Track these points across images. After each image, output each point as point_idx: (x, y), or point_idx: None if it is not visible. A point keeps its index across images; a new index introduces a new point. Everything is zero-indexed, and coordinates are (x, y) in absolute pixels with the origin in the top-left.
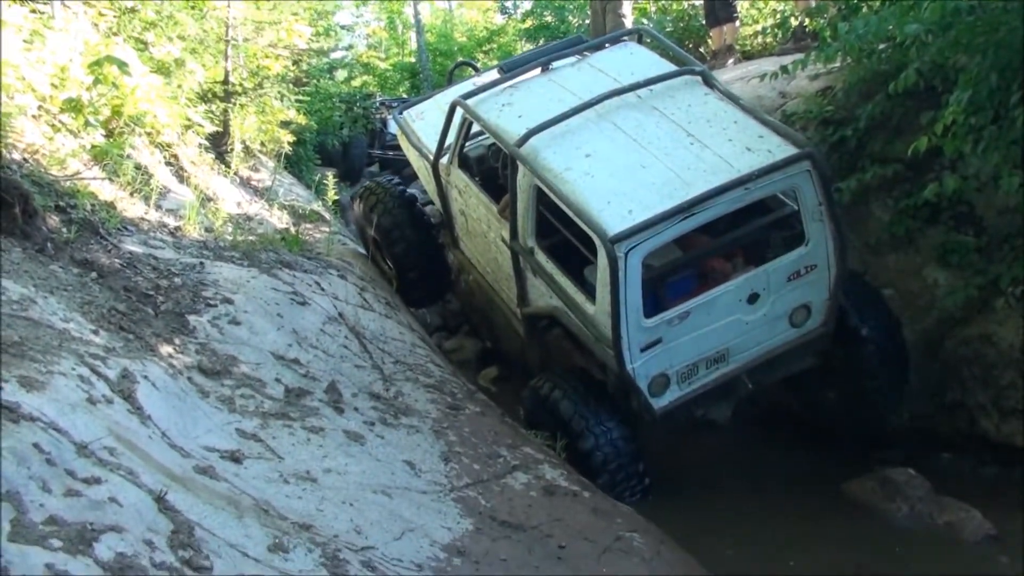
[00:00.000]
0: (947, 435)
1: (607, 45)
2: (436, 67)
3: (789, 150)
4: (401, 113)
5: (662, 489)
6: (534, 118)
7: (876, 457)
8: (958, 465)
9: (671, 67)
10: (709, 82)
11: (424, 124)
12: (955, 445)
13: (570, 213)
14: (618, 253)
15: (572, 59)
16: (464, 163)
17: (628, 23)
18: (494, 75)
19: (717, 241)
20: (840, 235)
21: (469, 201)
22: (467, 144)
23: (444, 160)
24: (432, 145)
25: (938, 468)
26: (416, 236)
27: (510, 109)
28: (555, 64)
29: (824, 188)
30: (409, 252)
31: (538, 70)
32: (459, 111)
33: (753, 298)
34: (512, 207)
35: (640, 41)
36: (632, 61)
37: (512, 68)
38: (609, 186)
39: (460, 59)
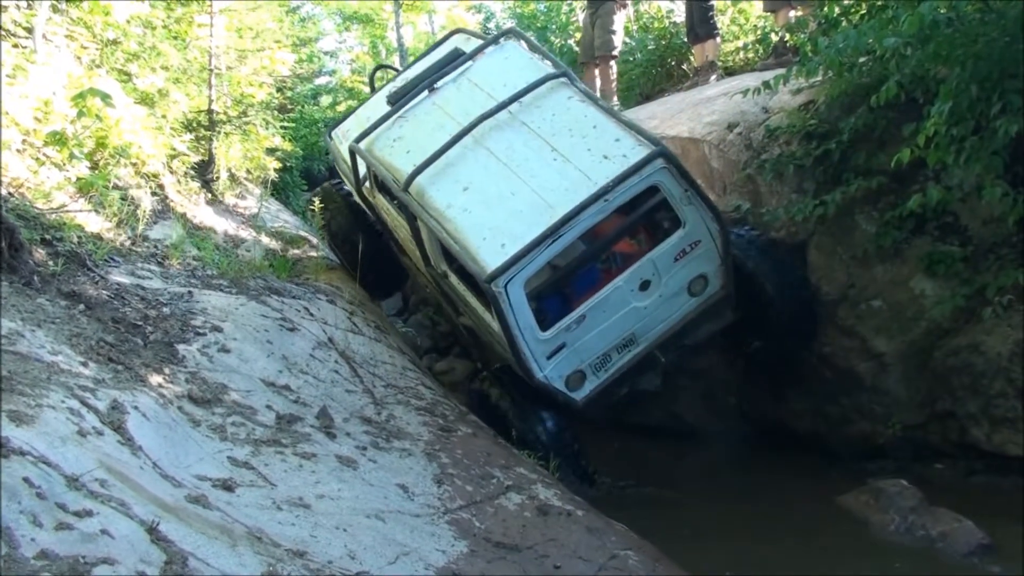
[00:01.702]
0: (938, 445)
1: (485, 51)
2: None
3: (642, 152)
4: (330, 135)
5: (656, 502)
6: (420, 152)
7: (868, 469)
8: (950, 475)
9: (541, 68)
10: (572, 83)
11: (395, 148)
12: (946, 455)
13: (455, 252)
14: (497, 289)
15: (454, 75)
16: (383, 187)
17: (618, 39)
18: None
19: (593, 248)
20: (712, 208)
21: (395, 222)
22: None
23: (366, 184)
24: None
25: (930, 478)
26: (366, 239)
27: (400, 144)
28: (439, 83)
29: (684, 176)
30: (361, 254)
31: (426, 92)
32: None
33: (645, 285)
34: (417, 239)
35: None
36: (506, 68)
37: (398, 99)
38: (484, 220)
39: (379, 63)
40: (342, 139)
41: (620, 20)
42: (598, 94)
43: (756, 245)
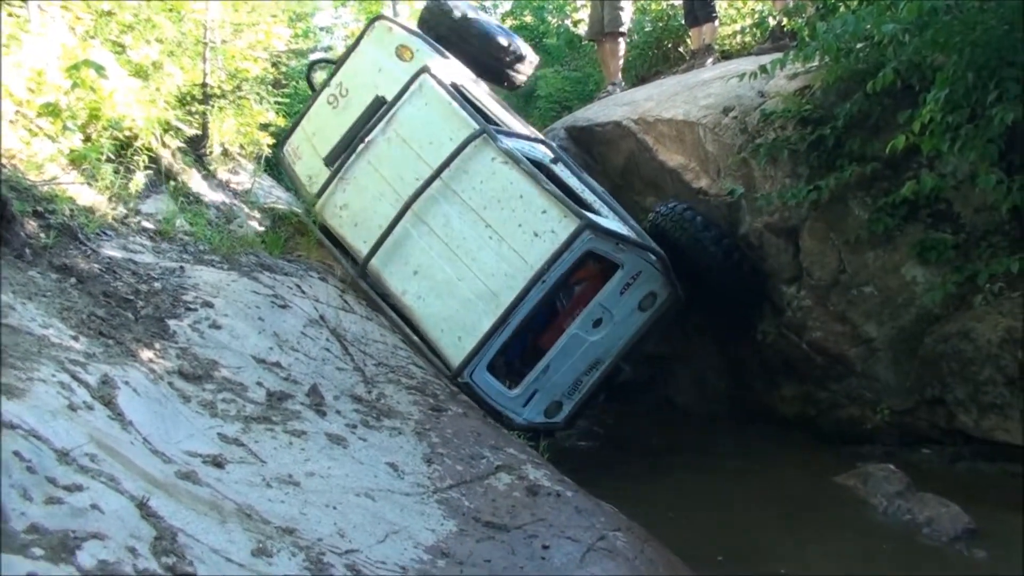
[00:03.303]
0: (926, 431)
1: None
2: None
3: (570, 226)
4: (282, 152)
5: (646, 481)
6: (365, 226)
7: (857, 453)
8: (937, 460)
9: (462, 120)
10: (492, 140)
11: (303, 166)
12: (934, 440)
13: (416, 340)
14: (463, 380)
15: (382, 125)
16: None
17: (626, 16)
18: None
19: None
20: (644, 246)
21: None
22: None
23: None
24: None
25: (918, 463)
26: None
27: (347, 214)
28: (369, 136)
29: (611, 236)
30: None
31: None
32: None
33: (597, 323)
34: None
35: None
36: (429, 119)
37: (334, 160)
38: (438, 311)
39: (314, 57)
40: (294, 157)
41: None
42: (611, 70)
43: (695, 216)
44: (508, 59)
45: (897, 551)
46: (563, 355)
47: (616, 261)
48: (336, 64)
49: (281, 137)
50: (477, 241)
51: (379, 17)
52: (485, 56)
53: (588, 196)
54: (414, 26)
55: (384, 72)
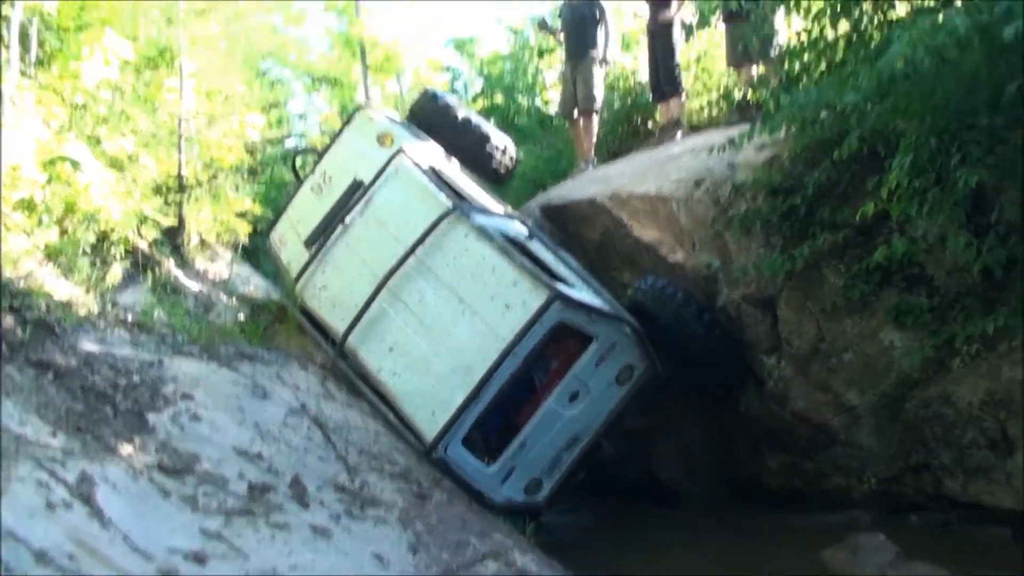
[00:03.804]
0: (913, 497)
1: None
2: None
3: (540, 298)
4: (269, 240)
5: (633, 560)
6: (343, 306)
7: (845, 523)
8: (926, 526)
9: (436, 199)
10: (465, 216)
11: (288, 253)
12: (922, 507)
13: (392, 417)
14: (437, 456)
15: (360, 208)
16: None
17: (599, 92)
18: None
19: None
20: (617, 316)
21: None
22: None
23: None
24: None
25: (907, 530)
26: None
27: (326, 295)
28: (348, 218)
29: (583, 307)
30: None
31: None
32: None
33: (574, 396)
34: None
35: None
36: (405, 200)
37: (314, 241)
38: (412, 387)
39: (298, 146)
40: (279, 245)
41: (600, 75)
42: (584, 148)
43: (675, 292)
44: (498, 155)
45: None
46: (540, 430)
47: (589, 333)
48: (320, 153)
49: (263, 225)
50: (451, 316)
51: (361, 107)
52: (478, 151)
53: (562, 271)
54: (396, 114)
55: (365, 158)
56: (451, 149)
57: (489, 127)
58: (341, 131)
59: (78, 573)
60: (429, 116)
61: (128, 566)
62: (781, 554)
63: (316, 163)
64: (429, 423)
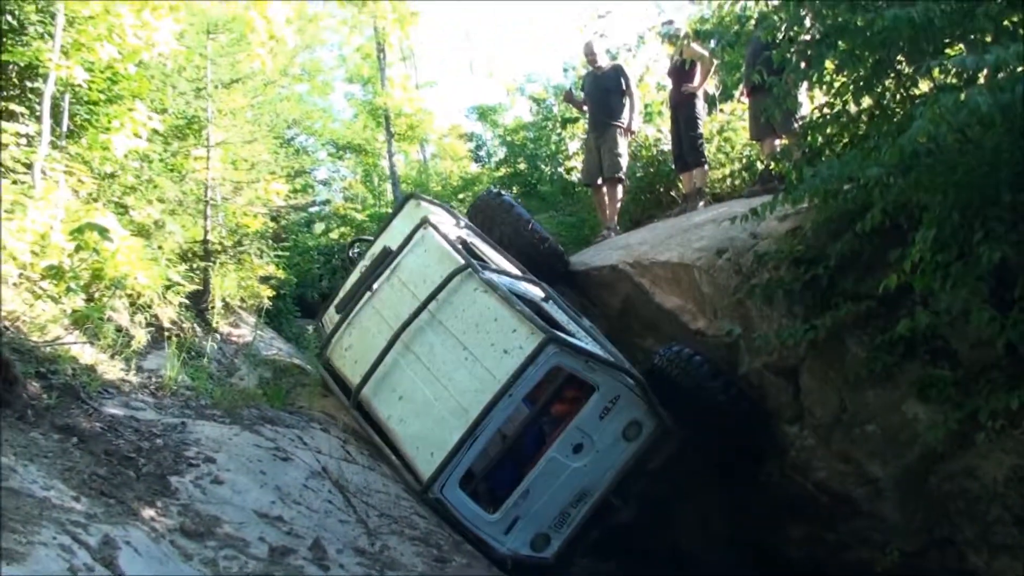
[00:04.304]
0: (937, 572)
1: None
2: None
3: (534, 341)
4: (320, 321)
5: None
6: (364, 360)
7: None
8: None
9: (452, 259)
10: (475, 273)
11: (347, 357)
12: None
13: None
14: (433, 495)
15: (387, 273)
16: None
17: (624, 161)
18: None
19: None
20: (618, 366)
21: None
22: None
23: None
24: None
25: None
26: None
27: (350, 354)
28: (376, 283)
29: (579, 352)
30: None
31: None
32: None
33: (578, 448)
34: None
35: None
36: (426, 263)
37: (344, 306)
38: (415, 430)
39: (355, 236)
40: (328, 323)
41: (624, 144)
42: (607, 214)
43: (702, 363)
44: (552, 259)
45: None
46: (544, 480)
47: (591, 382)
48: (372, 240)
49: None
50: (455, 363)
51: (411, 195)
52: (533, 250)
53: (573, 328)
54: (446, 204)
55: (402, 235)
56: (509, 246)
57: (545, 232)
58: (392, 218)
59: None
60: (492, 211)
61: None
62: None
63: (366, 249)
64: (427, 464)
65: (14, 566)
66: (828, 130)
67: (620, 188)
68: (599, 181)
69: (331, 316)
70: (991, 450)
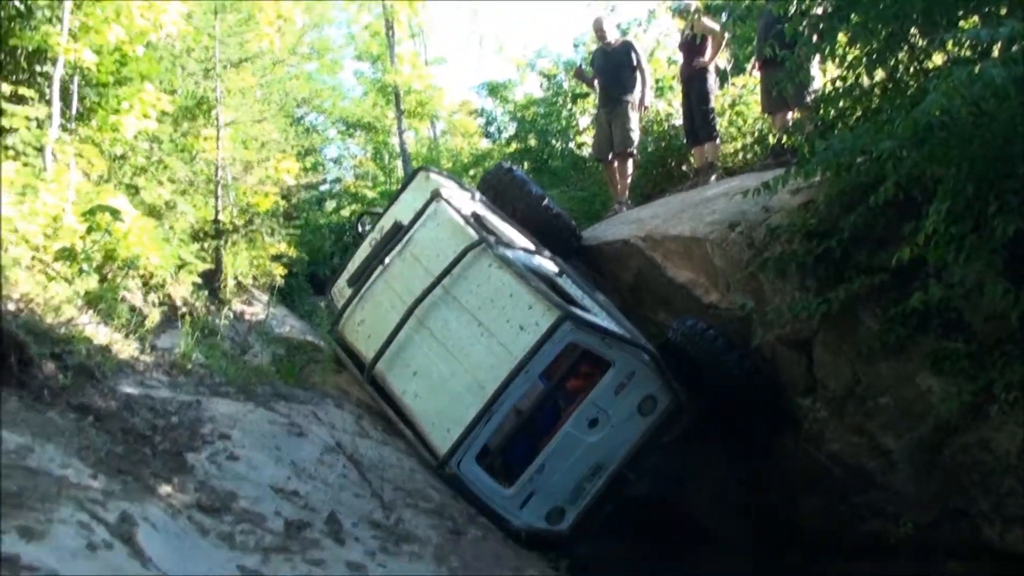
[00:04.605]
0: (951, 544)
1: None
2: None
3: (551, 317)
4: (330, 293)
5: None
6: (378, 337)
7: (881, 569)
8: (964, 574)
9: (465, 230)
10: (490, 248)
11: (360, 331)
12: (960, 554)
13: (412, 437)
14: (451, 470)
15: (399, 248)
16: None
17: (636, 135)
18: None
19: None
20: (634, 343)
21: None
22: None
23: None
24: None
25: None
26: None
27: (363, 328)
28: (388, 257)
29: (595, 329)
30: None
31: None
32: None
33: (593, 423)
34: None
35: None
36: (438, 237)
37: (356, 279)
38: (430, 406)
39: (363, 209)
40: (339, 297)
41: (636, 119)
42: (619, 189)
43: (716, 337)
44: (565, 234)
45: None
46: (559, 455)
47: (606, 358)
48: (381, 214)
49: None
50: (470, 339)
51: (421, 168)
52: (547, 226)
53: (588, 303)
54: (455, 176)
55: (413, 209)
56: (521, 220)
57: (558, 206)
58: (401, 191)
59: None
60: (503, 187)
61: None
62: None
63: (375, 223)
64: (443, 439)
65: (34, 544)
66: (841, 103)
67: (631, 163)
68: (610, 156)
69: (341, 289)
70: (1004, 422)
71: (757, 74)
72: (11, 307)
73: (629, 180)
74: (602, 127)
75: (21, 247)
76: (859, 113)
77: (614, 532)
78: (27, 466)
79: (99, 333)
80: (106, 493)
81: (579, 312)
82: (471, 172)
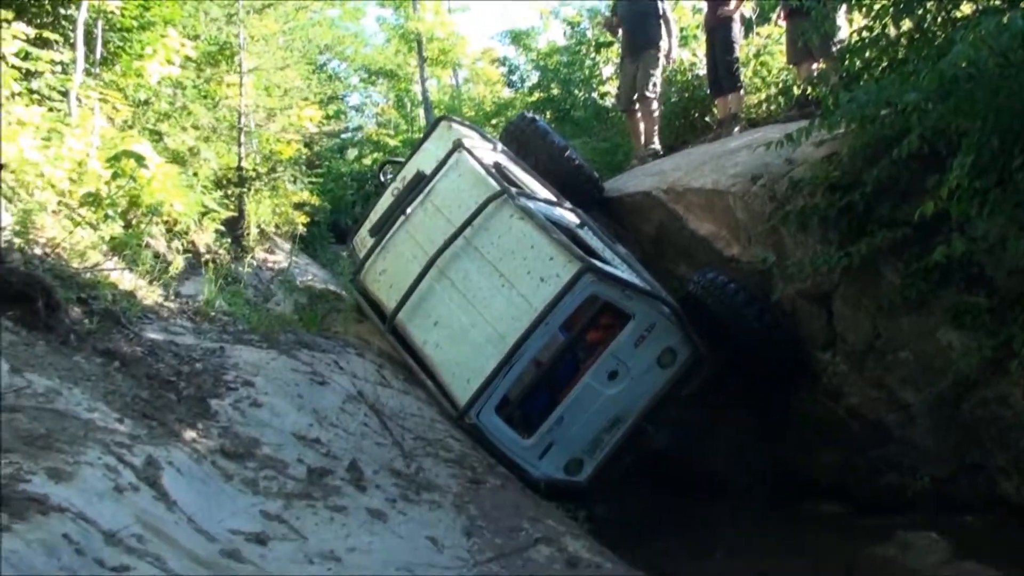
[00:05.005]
0: (968, 498)
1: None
2: None
3: (571, 270)
4: (352, 242)
5: (683, 553)
6: (399, 287)
7: (897, 521)
8: (981, 528)
9: (487, 181)
10: (511, 199)
11: (381, 281)
12: (976, 508)
13: (433, 388)
14: (471, 420)
15: (420, 198)
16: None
17: (658, 82)
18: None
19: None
20: (655, 295)
21: None
22: None
23: None
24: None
25: (961, 531)
26: None
27: (385, 278)
28: (410, 208)
29: (616, 281)
30: None
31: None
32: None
33: (613, 375)
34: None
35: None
36: (460, 187)
37: (378, 230)
38: (451, 356)
39: (386, 158)
40: (360, 247)
41: (660, 68)
42: (646, 134)
43: (737, 291)
44: (587, 186)
45: None
46: (578, 406)
47: (627, 311)
48: (403, 163)
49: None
50: (491, 290)
51: (443, 118)
52: (569, 177)
53: (609, 255)
54: (477, 126)
55: (435, 159)
56: (543, 171)
57: (580, 157)
58: (423, 141)
59: (145, 553)
60: (526, 137)
61: (193, 547)
62: (831, 550)
63: (398, 172)
64: (463, 390)
65: (62, 484)
66: (866, 54)
67: (655, 106)
68: (635, 106)
69: (363, 239)
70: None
71: (782, 23)
72: (37, 251)
73: (655, 126)
74: (626, 76)
75: (47, 192)
76: (884, 64)
77: (632, 484)
78: (55, 409)
79: (124, 279)
80: (132, 437)
81: (600, 264)
82: (493, 121)
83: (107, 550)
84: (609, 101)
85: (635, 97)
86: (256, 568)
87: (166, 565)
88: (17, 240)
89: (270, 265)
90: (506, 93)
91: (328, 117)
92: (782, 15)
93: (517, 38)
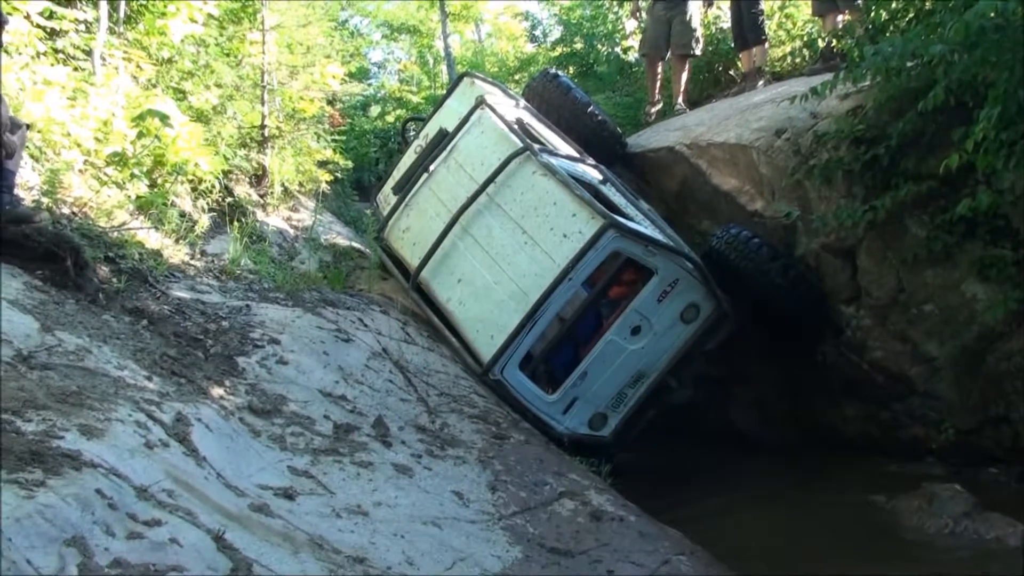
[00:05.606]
0: (992, 450)
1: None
2: None
3: (595, 226)
4: (375, 200)
5: (708, 507)
6: (423, 245)
7: (921, 473)
8: (1004, 479)
9: (510, 138)
10: (534, 156)
11: (388, 209)
12: (1000, 459)
13: (457, 345)
14: (495, 376)
15: (443, 155)
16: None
17: (698, 36)
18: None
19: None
20: (678, 251)
21: None
22: None
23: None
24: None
25: (984, 483)
26: None
27: (408, 236)
28: (432, 165)
29: (639, 237)
30: None
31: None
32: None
33: (636, 330)
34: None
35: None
36: (482, 144)
37: (401, 187)
38: (474, 313)
39: (409, 115)
40: (384, 204)
41: (699, 19)
42: (656, 88)
43: (760, 246)
44: (611, 142)
45: (963, 571)
46: (601, 362)
47: (650, 266)
48: (426, 120)
49: (344, 173)
50: (513, 247)
51: (465, 74)
52: (592, 134)
53: (631, 211)
54: (499, 83)
55: (458, 116)
56: (566, 127)
57: (604, 113)
58: (446, 98)
59: (176, 507)
60: (548, 93)
61: (222, 502)
62: (855, 501)
63: (421, 129)
64: (487, 346)
65: (94, 441)
66: (892, 5)
67: (687, 64)
68: (666, 55)
69: (387, 196)
70: None
71: None
72: (65, 211)
73: (683, 85)
74: (658, 23)
75: (73, 151)
76: (910, 16)
77: (656, 439)
78: (85, 367)
79: (150, 238)
80: (161, 394)
81: (622, 220)
82: (516, 77)
83: (139, 505)
84: (632, 56)
85: (672, 51)
86: (284, 523)
87: (197, 519)
88: (45, 200)
89: (294, 223)
90: (529, 48)
91: (350, 74)
92: None
93: None
